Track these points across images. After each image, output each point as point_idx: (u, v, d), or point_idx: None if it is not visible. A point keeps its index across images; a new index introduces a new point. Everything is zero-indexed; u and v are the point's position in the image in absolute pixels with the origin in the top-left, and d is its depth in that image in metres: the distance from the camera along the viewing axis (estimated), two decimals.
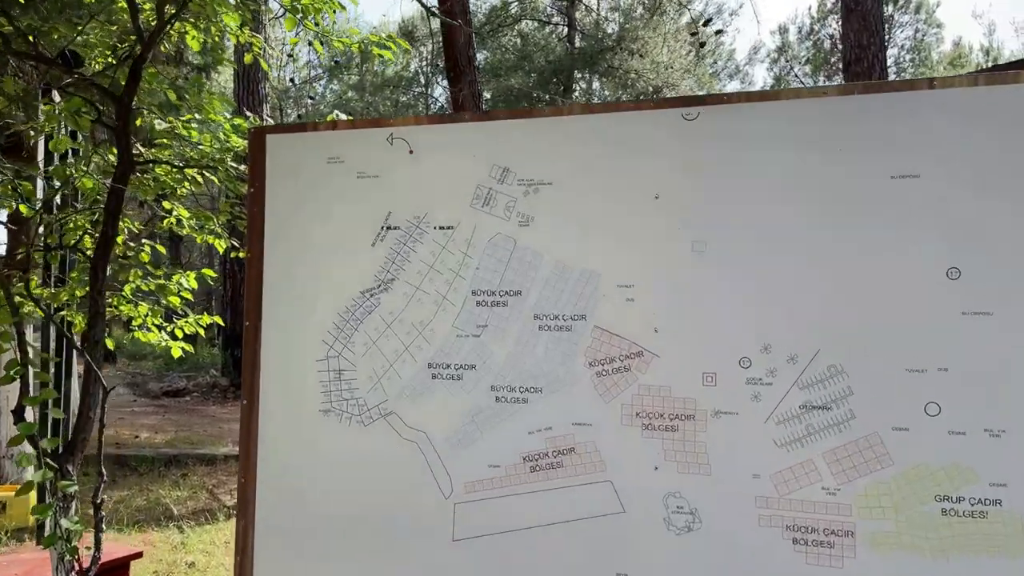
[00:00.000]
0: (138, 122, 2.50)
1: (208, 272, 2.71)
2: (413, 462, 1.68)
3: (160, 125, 2.21)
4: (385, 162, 1.75)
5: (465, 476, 1.65)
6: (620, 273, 1.58)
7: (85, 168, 2.34)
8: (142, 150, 2.36)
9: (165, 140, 2.52)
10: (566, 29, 16.00)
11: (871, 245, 1.43)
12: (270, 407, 1.79)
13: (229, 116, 2.41)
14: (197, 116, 2.27)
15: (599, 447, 1.57)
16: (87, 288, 2.09)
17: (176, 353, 2.72)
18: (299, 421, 1.76)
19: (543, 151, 1.65)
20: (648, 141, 1.58)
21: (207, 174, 2.54)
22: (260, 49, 2.70)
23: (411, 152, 1.74)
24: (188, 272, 2.61)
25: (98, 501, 1.84)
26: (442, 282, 1.70)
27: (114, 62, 2.22)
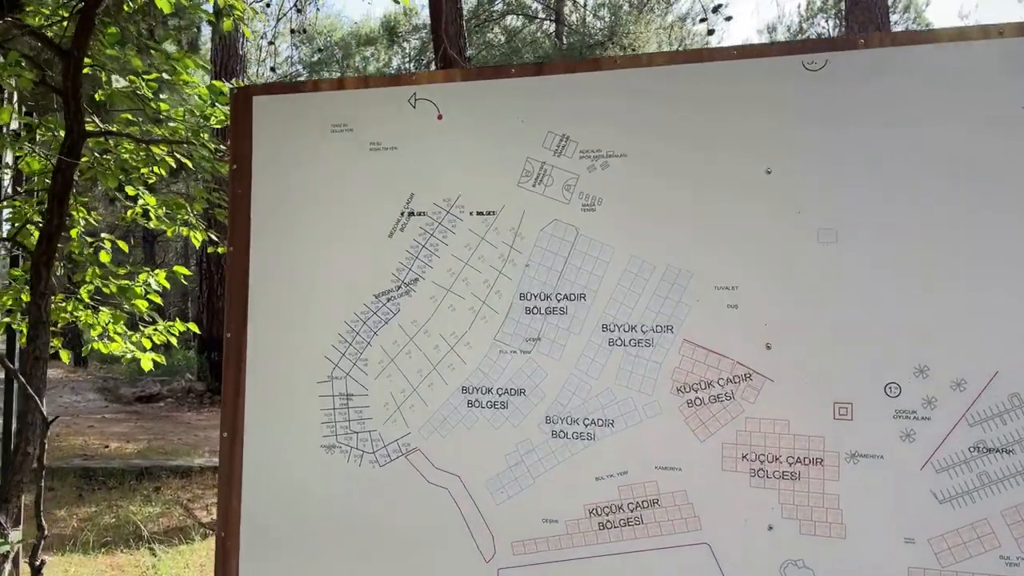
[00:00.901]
0: (97, 96, 2.09)
1: (181, 270, 2.31)
2: (444, 514, 1.30)
3: (118, 83, 1.81)
4: (406, 130, 1.37)
5: (512, 534, 1.27)
6: (719, 271, 1.21)
7: (31, 145, 1.93)
8: (98, 123, 1.95)
9: (129, 116, 2.11)
10: (554, 25, 15.63)
11: None
12: (257, 442, 1.40)
13: (206, 84, 2.02)
14: (165, 77, 1.88)
15: (692, 499, 1.20)
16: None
17: (146, 366, 2.32)
18: (295, 460, 1.37)
19: (614, 114, 1.28)
20: (756, 99, 1.21)
21: (180, 156, 2.14)
22: (241, 13, 2.31)
23: (440, 117, 1.36)
24: (157, 271, 2.20)
25: (37, 563, 1.44)
26: (480, 283, 1.32)
27: (65, 15, 1.81)
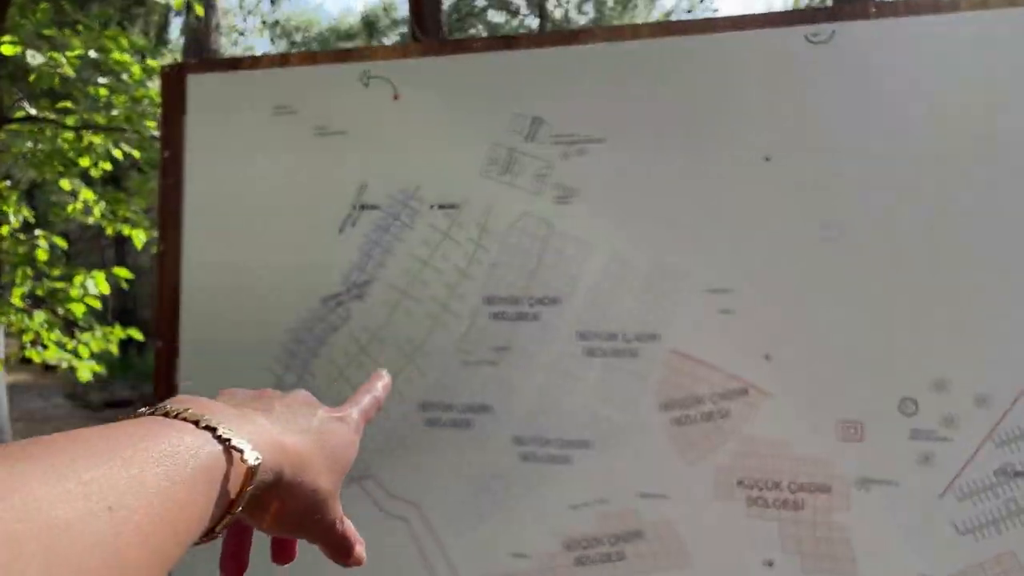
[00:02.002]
0: (31, 78, 1.91)
1: (121, 272, 2.13)
2: (400, 548, 1.14)
3: (35, 59, 1.62)
4: (358, 112, 1.21)
5: (476, 571, 1.12)
6: (711, 272, 1.07)
7: None
8: (27, 109, 1.78)
9: (69, 104, 1.94)
10: (537, 20, 15.49)
11: None
12: None
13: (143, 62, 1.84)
14: (92, 55, 1.70)
15: (680, 530, 1.06)
16: None
17: (84, 377, 2.13)
18: None
19: (591, 94, 1.13)
20: (753, 76, 1.07)
21: (125, 146, 1.96)
22: None
23: (396, 97, 1.20)
24: (95, 272, 2.02)
25: None
26: (442, 285, 1.16)
27: None
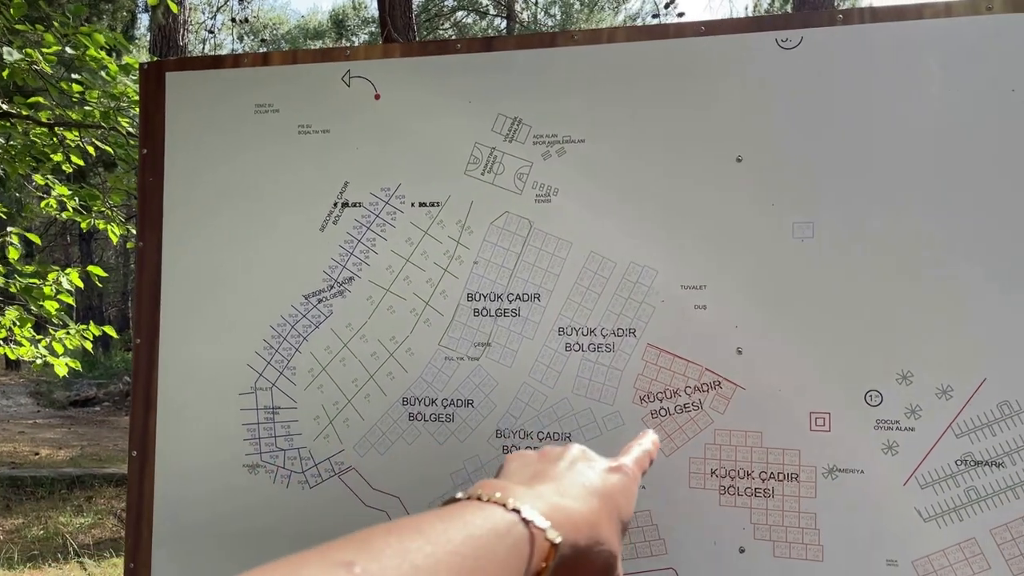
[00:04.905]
0: (4, 73, 1.89)
1: (95, 270, 2.11)
2: None
3: (11, 56, 1.61)
4: (340, 111, 1.23)
5: None
6: (686, 269, 1.10)
7: None
8: (2, 105, 1.76)
9: (41, 99, 1.92)
10: (505, 21, 15.51)
11: None
12: (171, 462, 1.24)
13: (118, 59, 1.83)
14: (69, 51, 1.69)
15: (656, 519, 1.09)
16: None
17: (61, 372, 2.12)
18: (214, 482, 1.22)
19: (571, 96, 1.15)
20: (726, 79, 1.10)
21: (97, 142, 1.95)
22: None
23: (378, 97, 1.22)
24: (69, 270, 2.00)
25: None
26: (424, 282, 1.18)
27: None
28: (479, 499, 0.49)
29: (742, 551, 1.07)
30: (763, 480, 1.07)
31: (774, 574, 1.05)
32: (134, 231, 2.28)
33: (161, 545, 1.23)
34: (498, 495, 0.48)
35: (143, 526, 1.24)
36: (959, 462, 1.01)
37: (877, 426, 1.03)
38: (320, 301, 1.21)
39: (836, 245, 1.06)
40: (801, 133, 1.07)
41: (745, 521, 1.07)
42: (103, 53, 1.72)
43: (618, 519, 0.57)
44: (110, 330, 2.35)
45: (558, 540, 0.48)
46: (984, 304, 1.01)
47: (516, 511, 0.47)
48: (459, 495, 0.50)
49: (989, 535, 1.00)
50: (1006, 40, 1.02)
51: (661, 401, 1.10)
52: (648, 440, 0.70)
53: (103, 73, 1.71)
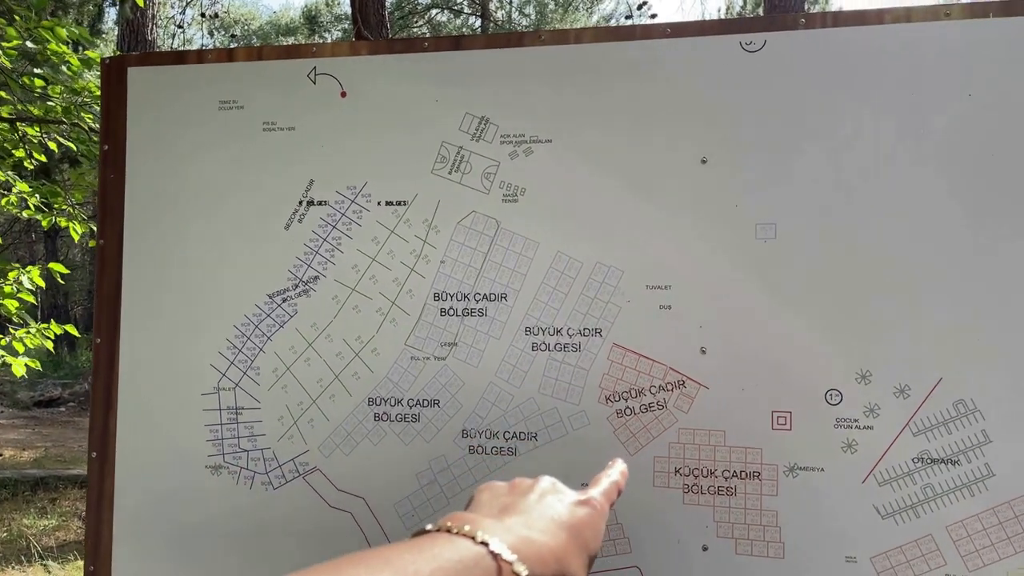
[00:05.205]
0: None
1: (57, 268, 2.07)
2: (347, 542, 1.15)
3: None
4: (305, 109, 1.22)
5: None
6: (651, 270, 1.11)
7: None
8: None
9: (3, 94, 1.87)
10: (480, 20, 15.48)
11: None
12: (131, 463, 1.22)
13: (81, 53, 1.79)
14: (29, 46, 1.65)
15: (621, 519, 1.10)
16: None
17: (19, 371, 2.07)
18: (175, 483, 1.20)
19: (539, 95, 1.16)
20: (691, 81, 1.11)
21: (59, 138, 1.91)
22: None
23: (343, 95, 1.21)
24: (30, 268, 1.96)
25: None
26: (390, 281, 1.18)
27: None
28: (448, 531, 0.50)
29: (705, 549, 1.08)
30: (726, 479, 1.08)
31: (736, 572, 1.06)
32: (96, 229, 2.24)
33: (122, 547, 1.21)
34: (467, 528, 0.49)
35: (103, 528, 1.22)
36: (916, 460, 1.03)
37: (837, 425, 1.05)
38: (285, 300, 1.20)
39: (798, 246, 1.07)
40: (764, 135, 1.09)
41: (708, 519, 1.08)
42: (65, 47, 1.69)
43: (585, 552, 0.58)
44: (72, 329, 2.30)
45: (525, 573, 0.49)
46: (941, 305, 1.03)
47: (484, 544, 0.48)
48: (428, 527, 0.51)
49: (945, 532, 1.02)
50: (963, 46, 1.04)
51: (626, 400, 1.11)
52: (616, 471, 0.71)
53: (65, 68, 1.67)
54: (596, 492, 0.64)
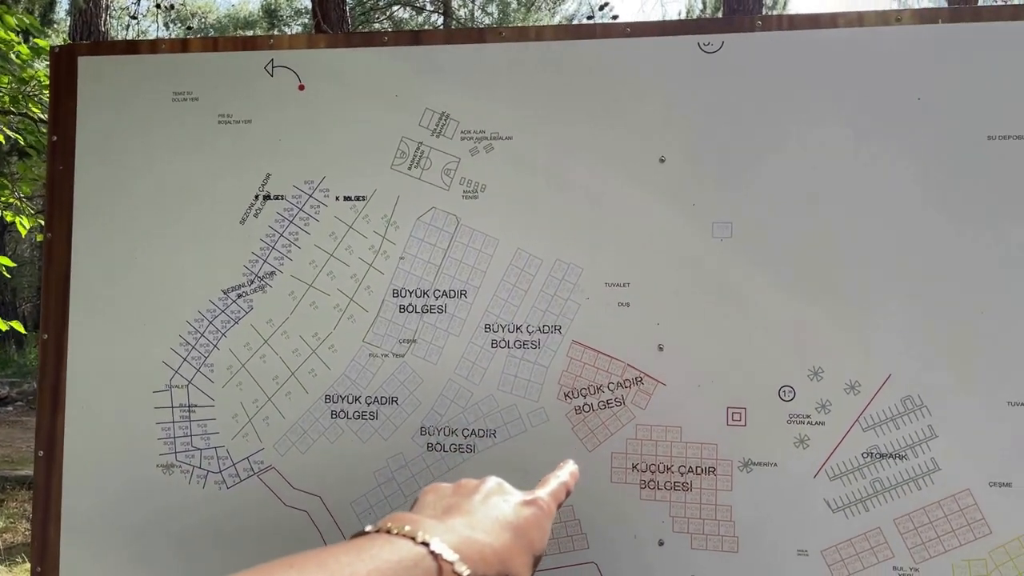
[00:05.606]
0: None
1: (4, 261, 2.00)
2: (303, 541, 1.14)
3: None
4: (262, 101, 1.20)
5: None
6: (610, 267, 1.11)
7: None
8: None
9: None
10: (442, 18, 15.41)
11: (971, 226, 1.05)
12: (80, 462, 1.19)
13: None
14: None
15: (579, 514, 1.10)
16: None
17: None
18: (125, 482, 1.17)
19: (499, 92, 1.15)
20: (650, 81, 1.12)
21: (6, 129, 1.85)
22: None
23: (301, 88, 1.19)
24: None
25: None
26: (348, 277, 1.17)
27: None
28: (388, 532, 0.49)
29: (661, 544, 1.09)
30: (682, 474, 1.09)
31: (692, 566, 1.08)
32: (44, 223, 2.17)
33: (70, 548, 1.18)
34: (407, 528, 0.49)
35: (51, 529, 1.19)
36: (865, 455, 1.05)
37: (790, 420, 1.07)
38: (240, 296, 1.18)
39: (753, 245, 1.09)
40: (721, 135, 1.10)
41: (664, 515, 1.09)
42: (14, 35, 1.63)
43: (530, 552, 0.57)
44: (19, 326, 2.22)
45: (466, 573, 0.48)
46: (890, 303, 1.05)
47: (425, 544, 0.48)
48: (368, 528, 0.50)
49: (893, 524, 1.04)
50: (913, 51, 1.06)
51: (585, 397, 1.11)
52: (566, 472, 0.71)
53: (13, 56, 1.61)
54: (543, 492, 0.64)
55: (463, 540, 0.51)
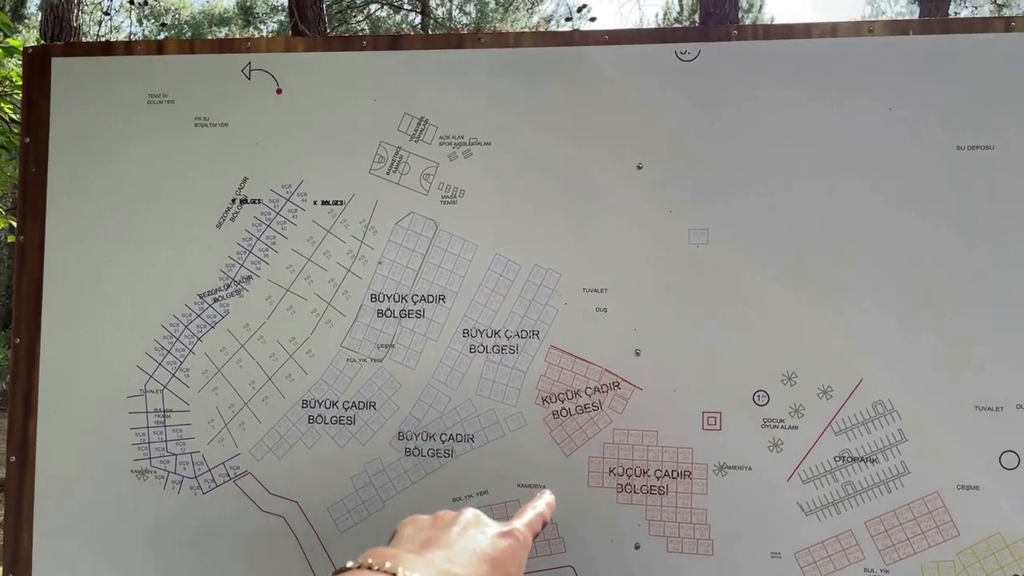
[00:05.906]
0: None
1: None
2: (280, 546, 1.14)
3: None
4: (239, 104, 1.19)
5: None
6: (587, 273, 1.12)
7: None
8: None
9: None
10: (420, 17, 15.36)
11: (940, 234, 1.07)
12: (53, 467, 1.17)
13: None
14: None
15: (556, 519, 1.11)
16: None
17: None
18: (99, 489, 1.16)
19: (478, 97, 1.16)
20: (628, 88, 1.13)
21: None
22: None
23: (279, 91, 1.19)
24: None
25: None
26: (326, 282, 1.16)
27: None
28: (370, 567, 0.50)
29: (637, 547, 1.10)
30: (658, 478, 1.10)
31: (667, 569, 1.09)
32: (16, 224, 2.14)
33: (43, 554, 1.17)
34: (388, 564, 0.50)
35: (23, 534, 1.17)
36: (837, 458, 1.07)
37: (764, 424, 1.08)
38: (216, 300, 1.17)
39: (728, 252, 1.10)
40: (697, 143, 1.11)
41: (641, 518, 1.10)
42: None
43: None
44: None
45: None
46: (861, 309, 1.07)
47: None
48: (349, 564, 0.51)
49: (864, 527, 1.06)
50: (885, 62, 1.08)
51: (563, 402, 1.12)
52: (543, 502, 0.72)
53: None
54: (520, 523, 0.65)
55: (442, 574, 0.52)
